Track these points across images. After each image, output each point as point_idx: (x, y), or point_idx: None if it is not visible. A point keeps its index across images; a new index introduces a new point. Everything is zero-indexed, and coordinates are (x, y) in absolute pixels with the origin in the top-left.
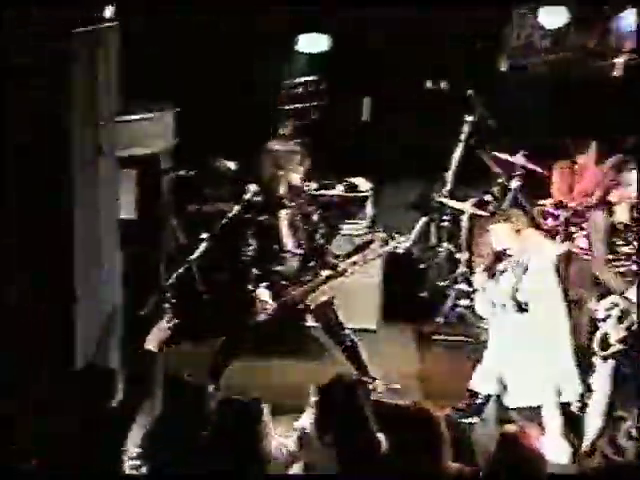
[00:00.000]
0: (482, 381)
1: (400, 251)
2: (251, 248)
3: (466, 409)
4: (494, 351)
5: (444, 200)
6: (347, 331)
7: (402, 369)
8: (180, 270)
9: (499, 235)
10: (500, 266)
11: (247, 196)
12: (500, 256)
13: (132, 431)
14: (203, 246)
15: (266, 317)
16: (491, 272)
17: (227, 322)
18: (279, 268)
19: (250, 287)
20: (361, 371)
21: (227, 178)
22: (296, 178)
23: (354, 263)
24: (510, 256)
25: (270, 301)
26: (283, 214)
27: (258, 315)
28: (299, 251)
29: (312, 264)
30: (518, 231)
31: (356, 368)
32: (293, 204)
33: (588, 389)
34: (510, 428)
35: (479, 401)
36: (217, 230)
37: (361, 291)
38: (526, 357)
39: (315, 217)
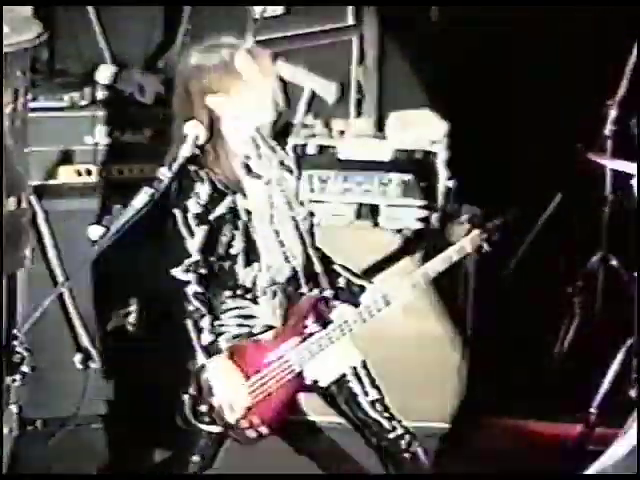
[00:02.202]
0: None
1: (485, 248)
2: (191, 261)
3: None
4: None
5: None
6: (401, 428)
7: None
8: (45, 302)
9: None
10: None
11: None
12: None
13: None
14: (94, 252)
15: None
16: None
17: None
18: (249, 309)
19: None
20: None
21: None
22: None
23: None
24: None
25: (244, 397)
26: (256, 190)
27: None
28: (287, 271)
29: (313, 294)
30: None
31: None
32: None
33: None
34: None
35: None
36: (125, 219)
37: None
38: None
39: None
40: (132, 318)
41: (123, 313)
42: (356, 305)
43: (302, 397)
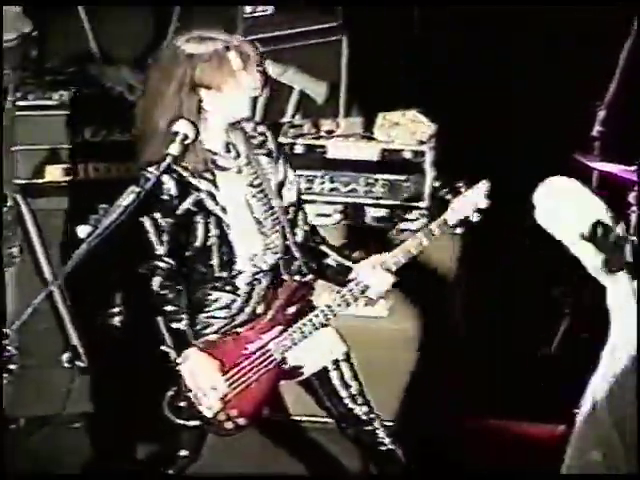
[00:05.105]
0: None
1: (473, 219)
2: (157, 255)
3: None
4: None
5: None
6: (379, 421)
7: None
8: (36, 301)
9: None
10: None
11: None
12: None
13: None
14: (82, 251)
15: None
16: None
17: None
18: (231, 301)
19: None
20: None
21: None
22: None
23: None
24: None
25: (220, 386)
26: (229, 181)
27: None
28: (269, 259)
29: (294, 281)
30: None
31: None
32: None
33: None
34: None
35: None
36: (112, 218)
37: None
38: None
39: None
40: (118, 317)
41: (110, 313)
42: (342, 285)
43: (286, 398)
